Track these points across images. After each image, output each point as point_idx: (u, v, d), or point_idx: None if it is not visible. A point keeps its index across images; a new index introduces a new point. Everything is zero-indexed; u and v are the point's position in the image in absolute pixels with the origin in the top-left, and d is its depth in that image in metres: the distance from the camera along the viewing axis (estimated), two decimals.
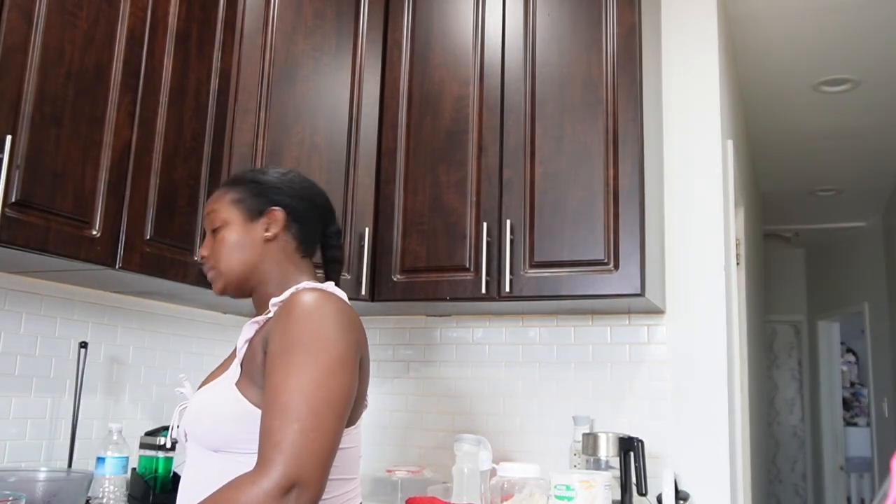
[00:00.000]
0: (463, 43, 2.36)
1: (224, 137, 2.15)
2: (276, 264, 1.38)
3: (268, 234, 1.38)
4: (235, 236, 1.37)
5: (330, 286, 1.31)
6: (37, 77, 1.58)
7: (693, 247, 2.37)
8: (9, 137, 1.49)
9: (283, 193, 1.41)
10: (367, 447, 2.64)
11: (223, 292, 1.40)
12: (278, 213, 1.39)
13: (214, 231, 1.39)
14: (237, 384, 1.23)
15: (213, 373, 1.39)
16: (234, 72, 2.20)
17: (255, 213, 1.38)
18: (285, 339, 1.17)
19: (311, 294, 1.22)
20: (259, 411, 1.15)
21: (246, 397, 1.20)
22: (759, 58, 3.48)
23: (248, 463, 1.11)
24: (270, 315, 1.25)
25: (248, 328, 1.27)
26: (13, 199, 1.51)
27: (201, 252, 1.42)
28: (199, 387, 1.36)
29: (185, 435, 1.30)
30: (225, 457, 1.20)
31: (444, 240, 2.26)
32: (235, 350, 1.32)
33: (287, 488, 1.05)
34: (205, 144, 2.09)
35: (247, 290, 1.40)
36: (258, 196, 1.39)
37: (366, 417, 3.02)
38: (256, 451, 1.10)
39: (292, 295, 1.24)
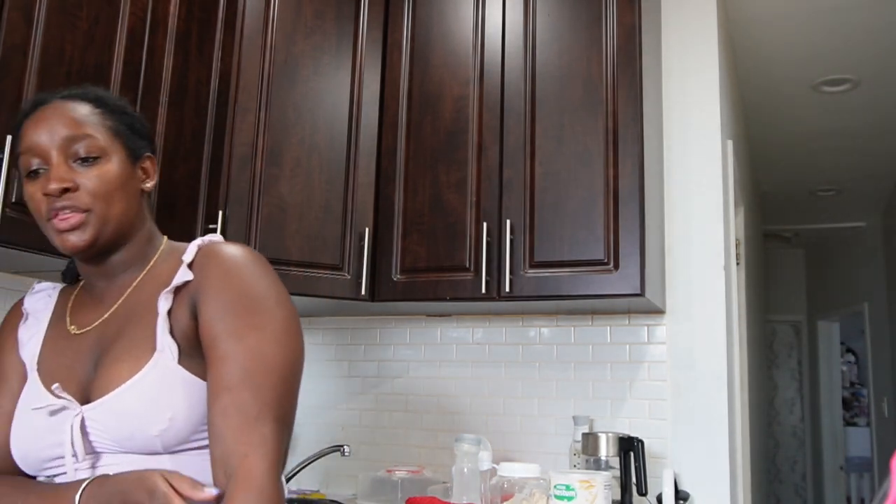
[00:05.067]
0: (463, 43, 2.35)
1: (224, 137, 2.15)
2: (145, 221, 1.15)
3: (147, 185, 1.15)
4: (120, 176, 1.08)
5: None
6: (37, 77, 1.58)
7: (693, 247, 2.37)
8: (9, 137, 1.49)
9: (150, 137, 1.19)
10: (366, 447, 2.64)
11: (89, 246, 1.05)
12: (153, 163, 1.17)
13: (85, 161, 1.05)
14: (181, 363, 1.01)
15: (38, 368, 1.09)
16: (234, 72, 2.20)
17: (134, 155, 1.12)
18: (229, 298, 1.01)
19: (236, 246, 1.07)
20: None
21: (196, 376, 1.01)
22: (759, 58, 3.48)
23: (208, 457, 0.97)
24: (189, 279, 1.04)
25: (164, 299, 1.03)
26: (13, 199, 1.51)
27: (60, 181, 1.02)
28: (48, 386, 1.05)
29: (93, 447, 1.01)
30: (180, 457, 1.00)
31: (444, 240, 2.26)
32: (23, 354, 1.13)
33: (280, 464, 0.97)
34: (205, 144, 2.09)
35: (109, 250, 1.10)
36: (137, 136, 1.14)
37: (366, 417, 3.00)
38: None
39: (210, 249, 1.07)
